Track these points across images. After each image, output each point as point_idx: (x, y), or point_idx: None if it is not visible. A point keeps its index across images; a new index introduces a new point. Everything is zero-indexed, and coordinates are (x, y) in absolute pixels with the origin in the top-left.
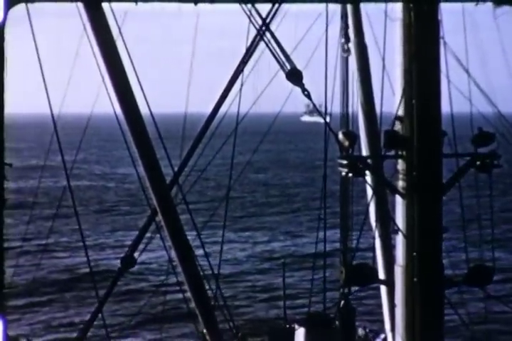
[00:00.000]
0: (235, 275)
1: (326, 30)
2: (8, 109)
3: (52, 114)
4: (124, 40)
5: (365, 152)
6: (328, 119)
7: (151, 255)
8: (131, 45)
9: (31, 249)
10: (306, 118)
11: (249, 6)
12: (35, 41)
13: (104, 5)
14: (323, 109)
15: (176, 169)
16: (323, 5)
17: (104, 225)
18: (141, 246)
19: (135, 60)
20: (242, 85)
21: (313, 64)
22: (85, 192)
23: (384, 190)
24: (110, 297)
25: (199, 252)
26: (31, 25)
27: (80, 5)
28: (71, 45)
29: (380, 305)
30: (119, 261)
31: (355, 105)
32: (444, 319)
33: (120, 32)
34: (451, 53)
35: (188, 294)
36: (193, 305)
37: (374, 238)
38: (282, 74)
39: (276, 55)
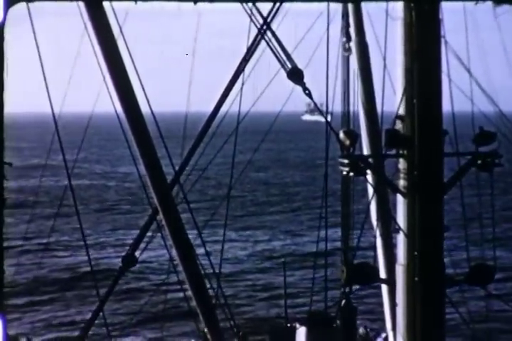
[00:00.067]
0: (236, 274)
1: (328, 29)
2: (8, 109)
3: (53, 113)
4: (125, 39)
5: (366, 151)
6: (329, 118)
7: (152, 254)
8: (131, 44)
9: (32, 248)
10: (306, 117)
11: (250, 5)
12: (36, 40)
13: (105, 4)
14: (324, 108)
15: (176, 168)
16: (324, 4)
17: (104, 224)
18: (142, 245)
19: (135, 59)
20: (243, 84)
21: (314, 63)
22: (86, 191)
23: (385, 189)
24: (111, 296)
25: (200, 251)
26: (32, 25)
27: (81, 4)
28: (71, 44)
29: (381, 304)
30: (119, 259)
31: (356, 104)
32: (445, 318)
33: (121, 31)
34: (452, 52)
35: (189, 293)
36: (194, 303)
37: (375, 237)
38: (283, 73)
39: (277, 54)
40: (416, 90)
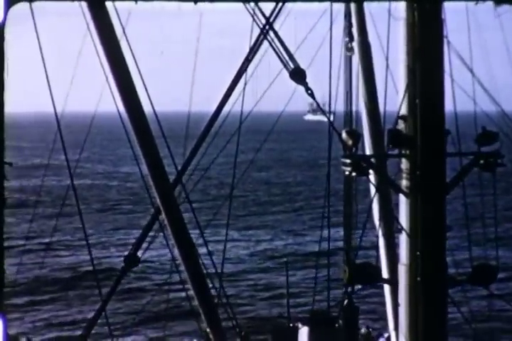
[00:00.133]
0: (238, 274)
1: (331, 29)
2: (9, 108)
3: (55, 113)
4: (127, 39)
5: (368, 151)
6: (331, 118)
7: (154, 253)
8: (132, 43)
9: (34, 248)
10: (309, 116)
11: (253, 5)
12: (38, 40)
13: (108, 4)
14: (326, 108)
15: (179, 168)
16: (326, 4)
17: (106, 224)
18: (144, 245)
19: (137, 59)
20: (245, 84)
21: (317, 63)
22: (88, 190)
23: (387, 189)
24: (114, 295)
25: (202, 251)
26: (35, 24)
27: (84, 4)
28: (73, 44)
29: (383, 304)
30: (122, 259)
31: (359, 104)
32: (448, 318)
33: (124, 31)
34: (454, 52)
35: (191, 292)
36: (196, 303)
37: (377, 237)
38: (285, 73)
39: (280, 54)
40: (418, 90)
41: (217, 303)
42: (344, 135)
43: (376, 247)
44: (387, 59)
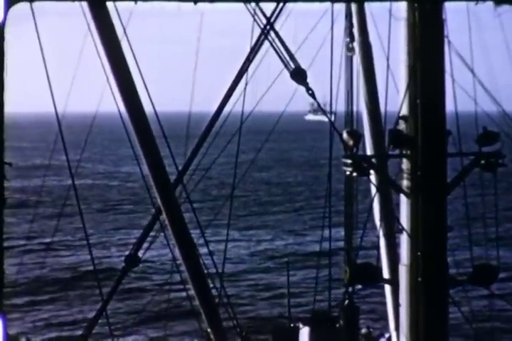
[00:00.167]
0: (239, 274)
1: (332, 29)
2: (9, 109)
3: (56, 113)
4: (128, 40)
5: (369, 151)
6: (332, 118)
7: (155, 253)
8: (133, 43)
9: (35, 248)
10: (310, 116)
11: (254, 5)
12: (39, 40)
13: (108, 4)
14: (327, 108)
15: (180, 168)
16: (327, 4)
17: (107, 224)
18: (145, 245)
19: (137, 59)
20: (246, 84)
21: (317, 63)
22: (89, 191)
23: (388, 189)
24: (114, 295)
25: (203, 251)
26: (35, 24)
27: (84, 4)
28: (73, 44)
29: (384, 304)
30: (122, 259)
31: (360, 104)
32: (449, 318)
33: (125, 31)
34: (455, 52)
35: (192, 292)
36: (196, 303)
37: (378, 237)
38: (286, 73)
39: (281, 54)
40: (419, 90)
41: (218, 303)
42: (345, 135)
43: (377, 247)
44: (387, 59)
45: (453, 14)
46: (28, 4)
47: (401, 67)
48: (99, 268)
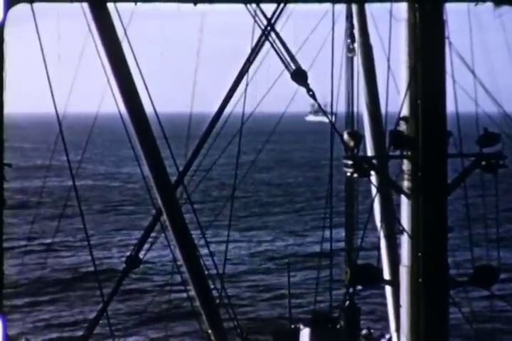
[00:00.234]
0: (240, 275)
1: (333, 30)
2: (8, 109)
3: (57, 114)
4: (129, 41)
5: (370, 152)
6: (333, 119)
7: (156, 254)
8: (133, 44)
9: (36, 249)
10: (311, 117)
11: (254, 6)
12: (40, 41)
13: (109, 5)
14: (327, 109)
15: (180, 169)
16: (327, 5)
17: (108, 225)
18: (146, 246)
19: (138, 60)
20: (247, 85)
21: (318, 64)
22: (90, 191)
23: (389, 190)
24: (115, 296)
25: (204, 251)
26: (36, 25)
27: (85, 5)
28: (73, 45)
29: (384, 305)
30: (123, 260)
31: (361, 105)
32: (449, 319)
33: (126, 33)
34: (456, 53)
35: (193, 293)
36: (197, 304)
37: (379, 238)
38: (287, 74)
39: (281, 55)
40: (420, 91)
41: (219, 304)
42: (346, 136)
43: (377, 248)
44: (388, 60)
45: (454, 15)
46: (28, 5)
47: (402, 68)
48: (100, 269)
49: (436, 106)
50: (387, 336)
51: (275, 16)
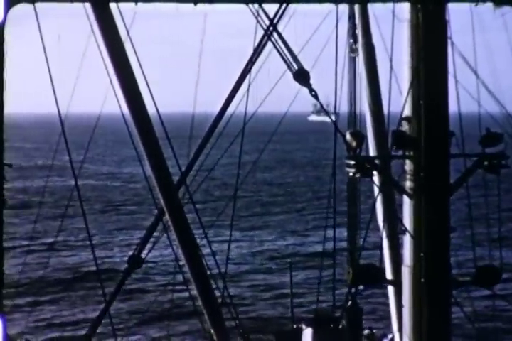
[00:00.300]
0: (242, 275)
1: (336, 30)
2: (9, 109)
3: (59, 114)
4: (131, 41)
5: (372, 152)
6: (335, 119)
7: (158, 254)
8: (136, 44)
9: (38, 248)
10: (313, 117)
11: (257, 6)
12: (42, 41)
13: (112, 5)
14: (330, 109)
15: (183, 169)
16: (330, 5)
17: (110, 224)
18: (148, 246)
19: (140, 60)
20: (249, 85)
21: (320, 64)
22: (92, 191)
23: (391, 190)
24: (117, 295)
25: (206, 251)
26: (38, 25)
27: (87, 5)
28: (75, 45)
29: (387, 305)
30: (125, 260)
31: (363, 105)
32: (452, 319)
33: (128, 33)
34: (458, 53)
35: (195, 293)
36: (199, 304)
37: (381, 238)
38: (289, 74)
39: (284, 56)
40: (422, 91)
41: (221, 304)
42: (348, 136)
43: (380, 248)
44: (391, 60)
45: (456, 15)
46: (29, 5)
47: (404, 68)
48: (102, 269)
49: (438, 107)
50: (390, 336)
51: (277, 16)
